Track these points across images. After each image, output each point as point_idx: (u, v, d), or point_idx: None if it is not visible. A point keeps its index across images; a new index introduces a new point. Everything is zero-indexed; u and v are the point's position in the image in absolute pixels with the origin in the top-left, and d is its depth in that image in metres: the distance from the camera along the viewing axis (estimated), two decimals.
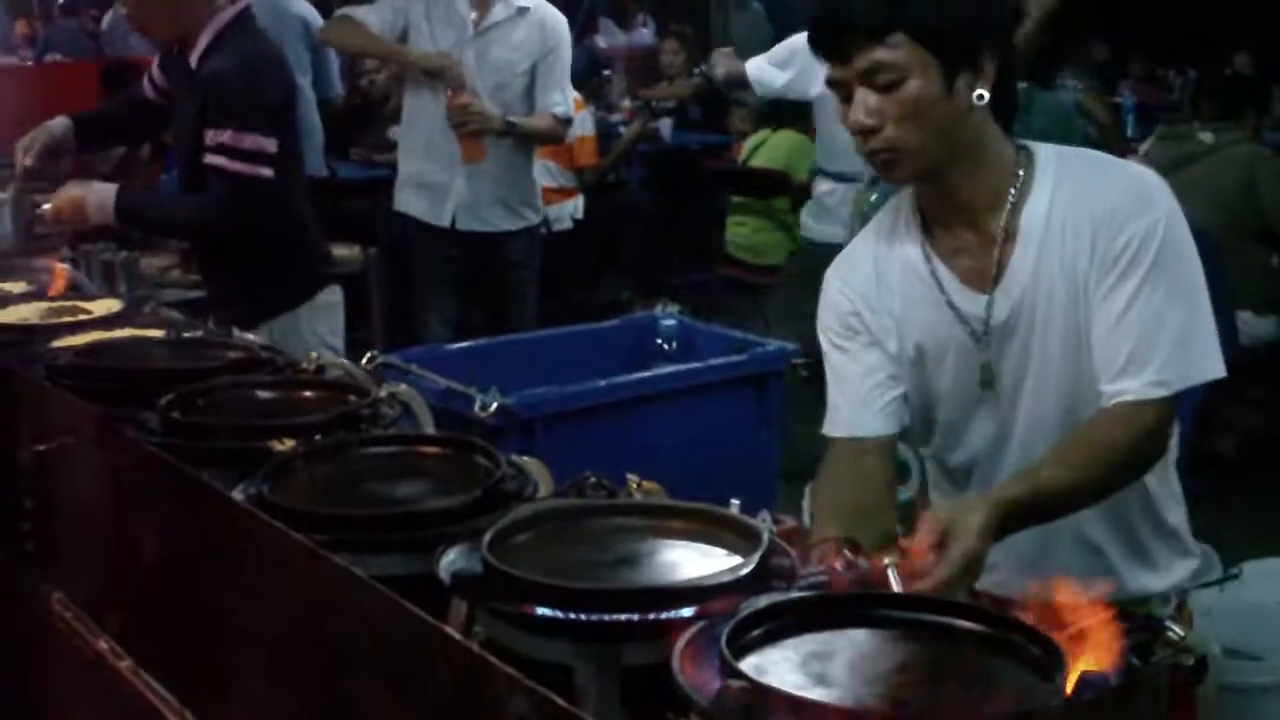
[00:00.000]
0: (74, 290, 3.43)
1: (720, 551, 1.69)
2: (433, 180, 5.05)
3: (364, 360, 2.80)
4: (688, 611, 1.52)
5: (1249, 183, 5.52)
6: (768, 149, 7.84)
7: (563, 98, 5.19)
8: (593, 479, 2.06)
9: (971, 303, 2.21)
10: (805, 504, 4.92)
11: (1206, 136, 5.65)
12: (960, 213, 2.21)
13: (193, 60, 3.62)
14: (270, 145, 3.62)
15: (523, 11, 5.06)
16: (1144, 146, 6.07)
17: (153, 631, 2.10)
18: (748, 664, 1.39)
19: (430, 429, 2.40)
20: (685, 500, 1.90)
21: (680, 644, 1.43)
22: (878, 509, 2.26)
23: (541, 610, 1.53)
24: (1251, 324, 5.61)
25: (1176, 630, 1.58)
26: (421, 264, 5.15)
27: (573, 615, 1.52)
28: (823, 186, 5.47)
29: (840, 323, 2.32)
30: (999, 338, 2.21)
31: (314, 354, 2.66)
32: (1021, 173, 2.18)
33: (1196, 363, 2.14)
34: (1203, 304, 2.16)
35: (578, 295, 8.17)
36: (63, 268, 3.63)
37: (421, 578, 1.66)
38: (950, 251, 2.24)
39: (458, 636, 1.44)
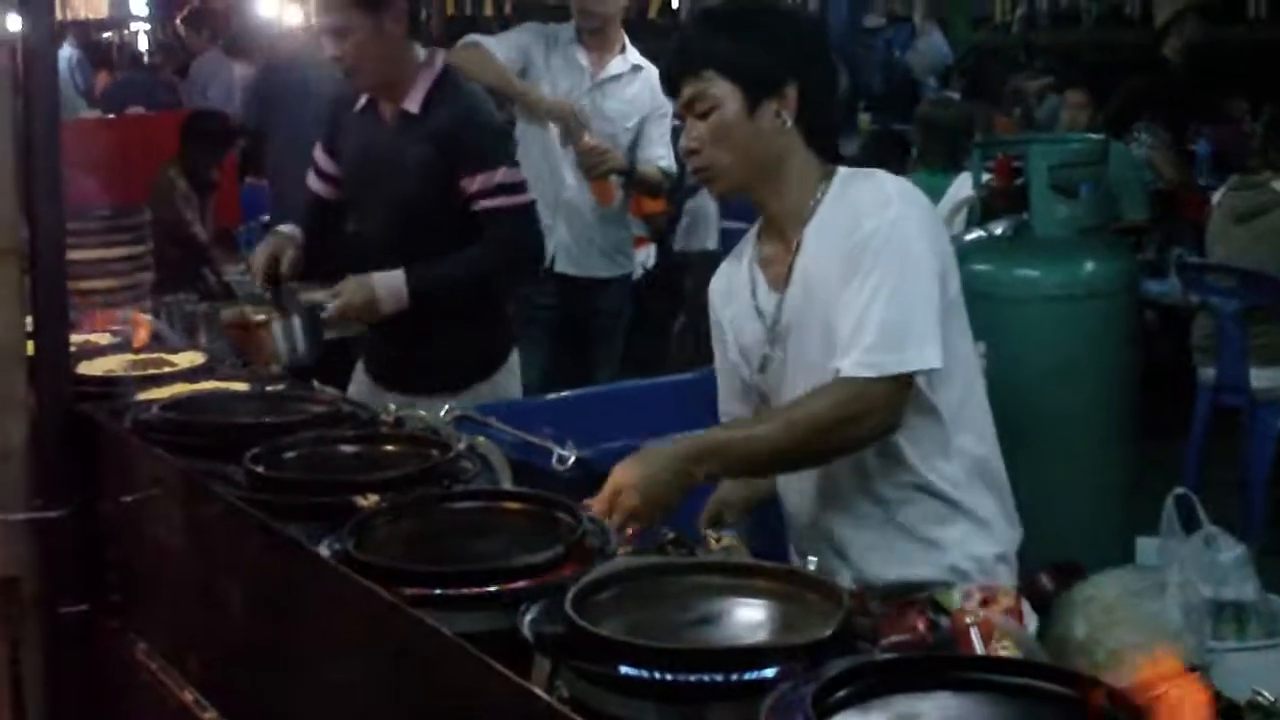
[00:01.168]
0: (156, 341, 3.47)
1: (802, 611, 1.69)
2: None
3: (442, 413, 2.83)
4: (771, 672, 1.52)
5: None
6: None
7: (666, 153, 5.26)
8: (672, 535, 2.08)
9: (769, 303, 2.54)
10: None
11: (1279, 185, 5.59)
12: (772, 224, 2.56)
13: (412, 108, 3.59)
14: (525, 178, 3.70)
15: (636, 69, 5.15)
16: (1216, 196, 6.02)
17: (237, 684, 2.13)
18: None
19: (508, 482, 2.41)
20: (761, 555, 1.90)
21: (765, 706, 1.43)
22: None
23: (626, 669, 1.54)
24: None
25: (1266, 695, 1.56)
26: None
27: (657, 675, 1.53)
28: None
29: (716, 328, 2.71)
30: (782, 335, 2.52)
31: (392, 406, 2.69)
32: (820, 190, 2.50)
33: (909, 352, 2.35)
34: (920, 301, 2.37)
35: (650, 344, 8.17)
36: (145, 318, 3.68)
37: (504, 634, 1.67)
38: (766, 258, 2.58)
39: (543, 695, 1.45)
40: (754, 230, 2.64)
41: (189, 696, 2.19)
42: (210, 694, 2.17)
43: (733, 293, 2.63)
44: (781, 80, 2.46)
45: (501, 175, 3.55)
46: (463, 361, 3.68)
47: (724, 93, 2.44)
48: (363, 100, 3.72)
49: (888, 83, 13.32)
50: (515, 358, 3.90)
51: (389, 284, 3.47)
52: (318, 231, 3.82)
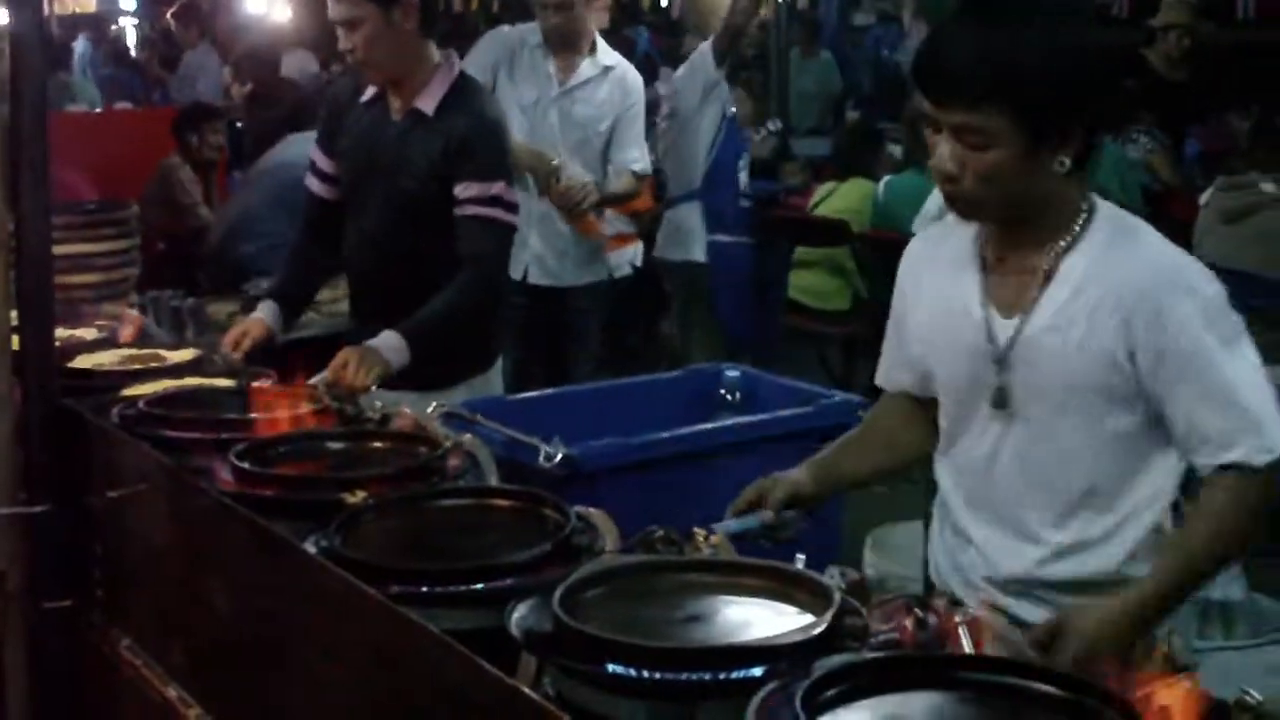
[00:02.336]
0: (144, 336, 3.46)
1: (792, 609, 1.69)
2: None
3: (429, 409, 2.82)
4: (760, 671, 1.51)
5: None
6: (837, 198, 7.84)
7: (640, 154, 5.23)
8: (661, 533, 2.06)
9: (999, 325, 2.32)
10: (866, 554, 4.92)
11: (1269, 187, 5.60)
12: (1016, 246, 2.31)
13: (425, 108, 3.58)
14: (519, 200, 3.70)
15: (607, 70, 5.11)
16: (1205, 196, 6.03)
17: (221, 681, 2.12)
18: None
19: (495, 479, 2.40)
20: (750, 554, 1.90)
21: (754, 704, 1.42)
22: (894, 429, 2.60)
23: (614, 668, 1.53)
24: None
25: (1254, 695, 1.56)
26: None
27: (646, 673, 1.52)
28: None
29: (897, 292, 2.54)
30: (1012, 365, 2.30)
31: (379, 403, 2.68)
32: (1080, 223, 2.28)
33: None
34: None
35: (637, 342, 8.17)
36: (133, 314, 3.67)
37: (490, 632, 1.66)
38: (994, 274, 2.35)
39: (532, 694, 1.44)
40: (971, 227, 2.39)
41: (173, 693, 2.18)
42: (194, 690, 2.15)
43: (943, 293, 2.40)
44: (1072, 125, 2.19)
45: (499, 189, 3.55)
46: (454, 358, 3.67)
47: (1003, 129, 2.15)
48: (370, 93, 3.70)
49: (877, 81, 13.34)
50: (501, 359, 3.90)
51: (388, 345, 3.37)
52: (326, 232, 3.82)
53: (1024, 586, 2.33)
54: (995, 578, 2.36)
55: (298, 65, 10.08)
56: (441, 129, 3.55)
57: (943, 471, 2.48)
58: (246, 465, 2.19)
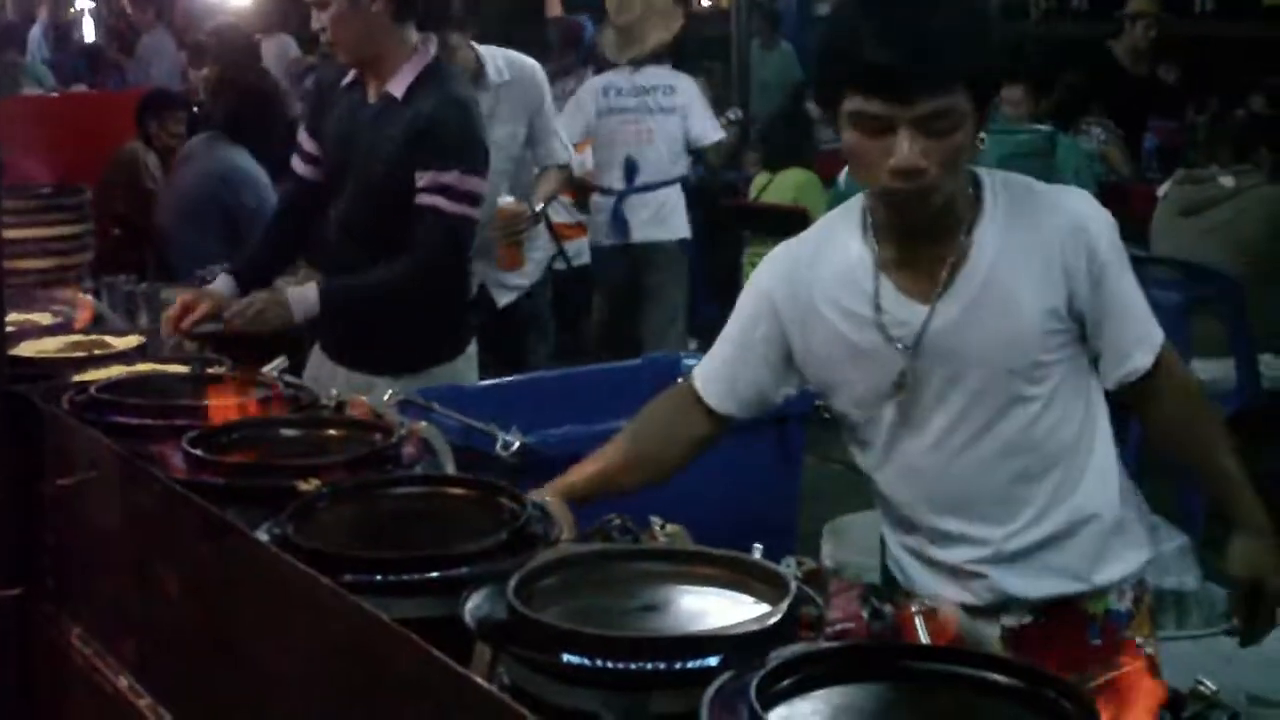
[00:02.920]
0: (98, 322, 3.43)
1: (748, 599, 1.68)
2: None
3: (385, 397, 2.80)
4: (715, 661, 1.51)
5: (1273, 225, 5.51)
6: (775, 189, 7.84)
7: (561, 143, 5.21)
8: (617, 521, 2.06)
9: (908, 311, 2.31)
10: (823, 544, 4.92)
11: (1227, 180, 5.64)
12: (922, 231, 2.30)
13: (395, 91, 3.58)
14: (484, 188, 3.66)
15: (507, 85, 5.02)
16: (1162, 189, 6.06)
17: (172, 670, 2.10)
18: (776, 715, 1.38)
19: (451, 467, 2.39)
20: (706, 542, 1.89)
21: (708, 694, 1.41)
22: (666, 444, 2.55)
23: (568, 657, 1.52)
24: (1273, 366, 5.59)
25: (1208, 685, 1.56)
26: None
27: (600, 663, 1.51)
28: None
29: (758, 297, 2.49)
30: (930, 347, 2.31)
31: (335, 391, 2.66)
32: (972, 198, 2.31)
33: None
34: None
35: (586, 334, 8.14)
36: (87, 299, 3.64)
37: (445, 621, 1.65)
38: (895, 263, 2.34)
39: (483, 683, 1.43)
40: (857, 219, 2.39)
41: (124, 682, 2.16)
42: (145, 680, 2.13)
43: (822, 282, 2.40)
44: (992, 98, 2.33)
45: (453, 178, 3.52)
46: (421, 343, 3.67)
47: (967, 110, 2.18)
48: (350, 77, 3.71)
49: None
50: (474, 347, 3.89)
51: (301, 293, 3.44)
52: (300, 213, 3.85)
53: (1013, 557, 2.38)
54: (980, 557, 2.38)
55: (276, 50, 10.01)
56: (408, 114, 3.55)
57: (888, 484, 2.47)
58: (199, 452, 2.17)
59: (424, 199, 3.51)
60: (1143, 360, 2.36)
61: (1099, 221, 2.34)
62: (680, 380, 2.63)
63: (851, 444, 2.51)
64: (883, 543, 2.58)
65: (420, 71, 3.60)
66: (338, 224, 3.73)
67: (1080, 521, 2.37)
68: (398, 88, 3.58)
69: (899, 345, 2.32)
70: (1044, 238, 2.29)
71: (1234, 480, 2.44)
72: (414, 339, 3.65)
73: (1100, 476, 2.40)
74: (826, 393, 2.48)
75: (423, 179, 3.51)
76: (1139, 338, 2.36)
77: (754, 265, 8.00)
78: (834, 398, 2.47)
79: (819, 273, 2.41)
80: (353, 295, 3.58)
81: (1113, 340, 2.35)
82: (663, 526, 2.10)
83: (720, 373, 2.52)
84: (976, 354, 2.31)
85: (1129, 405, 2.44)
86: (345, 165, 3.68)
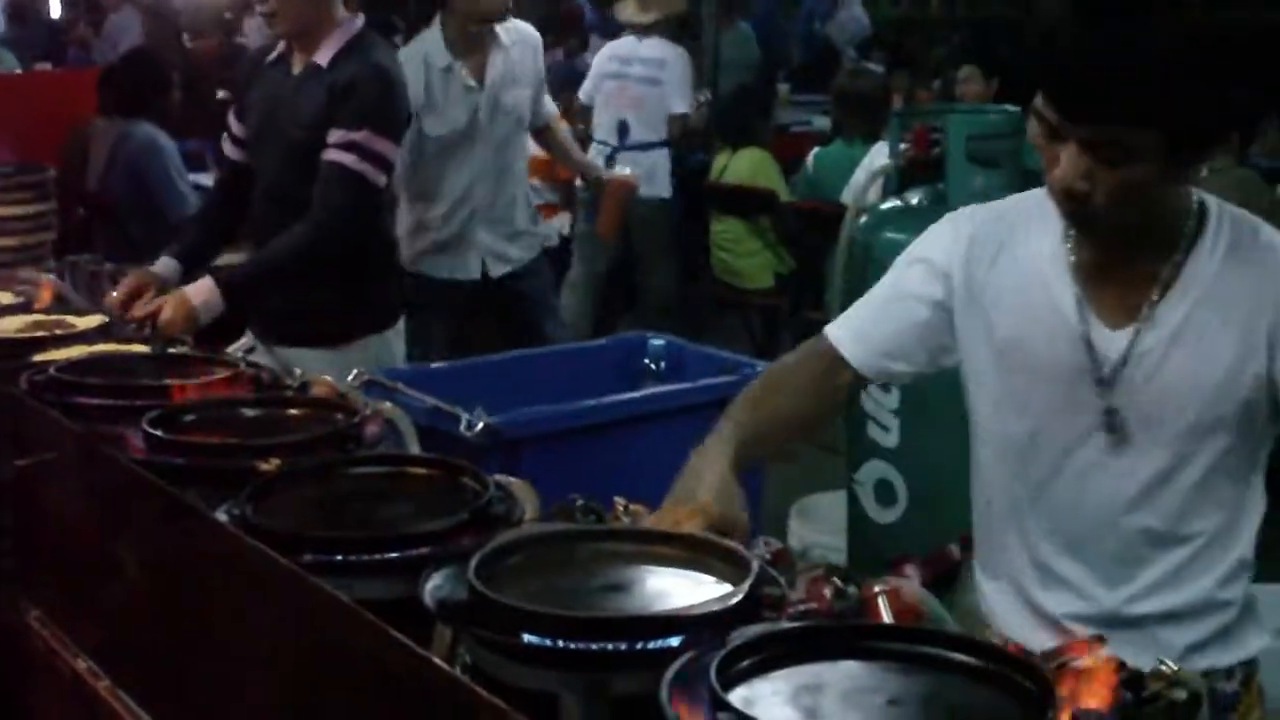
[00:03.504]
0: (60, 302, 3.40)
1: (710, 579, 1.67)
2: (453, 237, 5.00)
3: (350, 377, 2.78)
4: (677, 641, 1.50)
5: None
6: (733, 168, 7.84)
7: (552, 104, 5.38)
8: (580, 502, 2.04)
9: (1104, 341, 2.08)
10: (790, 524, 4.93)
11: None
12: (1125, 253, 2.08)
13: (320, 60, 3.63)
14: (394, 154, 3.66)
15: (517, 47, 5.06)
16: None
17: (132, 652, 2.08)
18: (737, 696, 1.37)
19: (415, 448, 2.38)
20: None
21: (669, 674, 1.41)
22: (806, 400, 2.29)
23: (528, 638, 1.51)
24: None
25: (1169, 664, 1.55)
26: (447, 323, 5.02)
27: (560, 643, 1.50)
28: None
29: (927, 261, 2.25)
30: (1126, 383, 2.07)
31: (298, 371, 2.64)
32: (1191, 224, 2.08)
33: None
34: None
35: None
36: (49, 279, 3.61)
37: (406, 601, 1.64)
38: (1097, 280, 2.11)
39: (442, 665, 1.41)
40: (1054, 215, 2.10)
41: (82, 665, 2.14)
42: (105, 662, 2.11)
43: (1027, 296, 2.14)
44: (1217, 135, 2.01)
45: (362, 136, 3.54)
46: (344, 313, 3.68)
47: (1147, 145, 1.89)
48: (276, 52, 3.77)
49: (807, 54, 13.35)
50: (403, 322, 3.90)
51: (202, 293, 3.41)
52: (234, 195, 3.88)
53: (1120, 623, 2.11)
54: (1087, 614, 2.14)
55: (257, 25, 9.95)
56: (330, 79, 3.61)
57: (1013, 506, 2.22)
58: (158, 433, 2.15)
59: (330, 154, 3.56)
60: None
61: None
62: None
63: (985, 447, 2.28)
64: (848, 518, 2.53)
65: (346, 41, 3.66)
66: (264, 194, 3.77)
67: (1207, 606, 2.14)
68: (323, 57, 3.65)
69: (1094, 374, 2.09)
70: (1257, 288, 2.04)
71: None
72: (336, 309, 3.69)
73: (1240, 567, 2.15)
74: (994, 393, 2.22)
75: (333, 136, 3.55)
76: None
77: (720, 245, 8.11)
78: (992, 402, 2.22)
79: (1015, 240, 2.18)
80: (254, 273, 3.60)
81: None
82: (626, 507, 2.09)
83: (864, 332, 2.28)
84: (1164, 400, 2.06)
85: None
86: (268, 136, 3.74)
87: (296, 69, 3.70)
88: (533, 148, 8.31)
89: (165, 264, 3.64)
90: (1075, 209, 1.98)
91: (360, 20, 3.75)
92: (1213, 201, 2.13)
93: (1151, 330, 2.05)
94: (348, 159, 3.53)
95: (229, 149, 3.91)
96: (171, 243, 3.78)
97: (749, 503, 2.12)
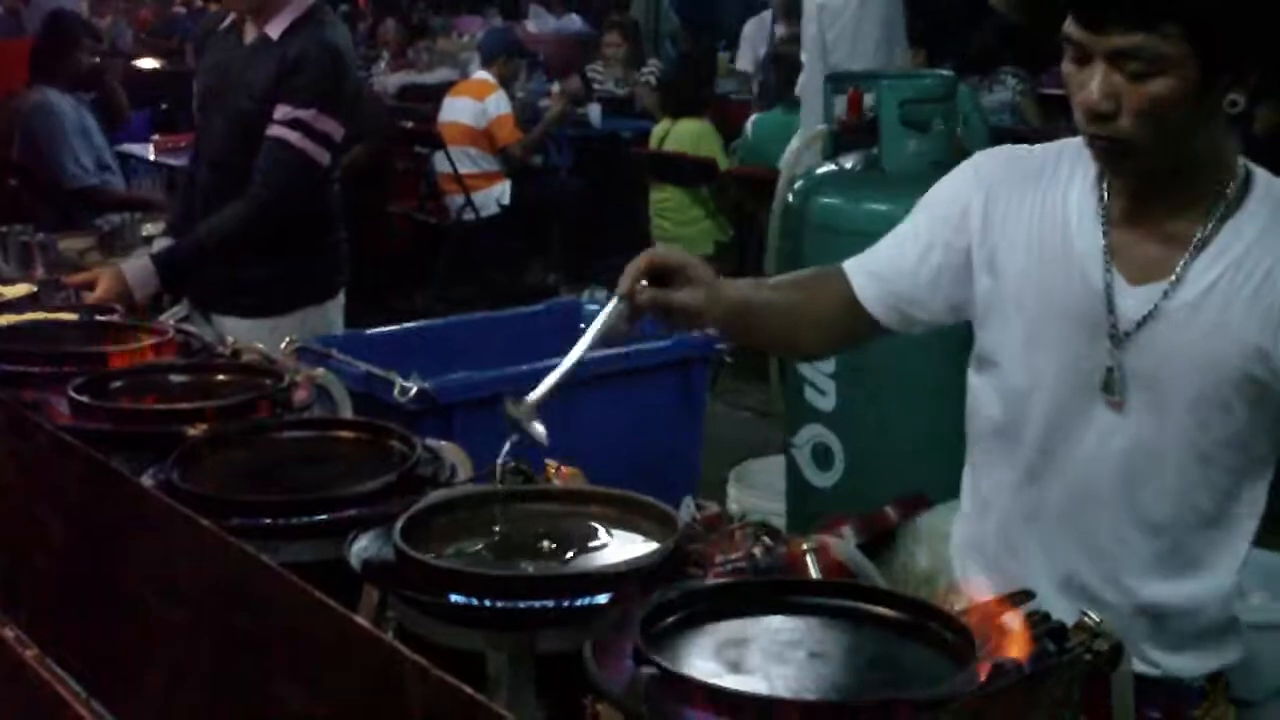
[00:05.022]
0: None
1: (637, 537, 1.68)
2: None
3: (283, 345, 2.77)
4: (603, 598, 1.50)
5: None
6: (673, 138, 7.85)
7: None
8: (511, 464, 2.04)
9: (1125, 293, 1.99)
10: (729, 489, 4.94)
11: None
12: (1156, 205, 2.00)
13: (272, 33, 3.60)
14: (339, 133, 3.63)
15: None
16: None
17: (60, 620, 2.06)
18: (661, 651, 1.38)
19: (349, 414, 2.36)
20: (605, 486, 1.88)
21: (593, 632, 1.41)
22: (805, 298, 2.23)
23: (454, 597, 1.51)
24: None
25: (1092, 617, 1.57)
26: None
27: (485, 602, 1.51)
28: None
29: (946, 202, 2.18)
30: (1140, 346, 1.99)
31: (231, 339, 2.62)
32: (1235, 186, 1.98)
33: None
34: None
35: (505, 281, 8.14)
36: None
37: (333, 564, 1.64)
38: (1120, 230, 2.02)
39: (365, 624, 1.41)
40: (1089, 164, 2.04)
41: (10, 633, 2.12)
42: (32, 631, 2.10)
43: (1048, 242, 2.05)
44: (1251, 55, 1.87)
45: (309, 115, 3.54)
46: (283, 285, 3.65)
47: (1177, 54, 1.82)
48: (229, 19, 3.74)
49: (745, 22, 13.33)
50: (343, 296, 3.88)
51: (137, 270, 3.39)
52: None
53: (1124, 609, 2.06)
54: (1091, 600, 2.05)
55: None
56: (279, 51, 3.58)
57: (1007, 474, 2.16)
58: (84, 399, 2.14)
59: (274, 130, 3.54)
60: None
61: None
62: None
63: (981, 407, 2.19)
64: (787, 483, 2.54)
65: (298, 15, 3.63)
66: (208, 162, 3.75)
67: (1184, 611, 2.08)
68: (275, 29, 3.62)
69: (1108, 329, 2.00)
70: None
71: None
72: (274, 280, 3.67)
73: (1227, 573, 2.08)
74: (994, 342, 2.14)
75: (279, 112, 3.54)
76: None
77: (659, 213, 8.14)
78: (1021, 391, 2.12)
79: (1044, 183, 2.09)
80: (191, 250, 3.57)
81: None
82: (557, 469, 2.09)
83: (879, 272, 2.19)
84: (1170, 367, 1.98)
85: None
86: (214, 104, 3.72)
87: (248, 38, 3.67)
88: (469, 118, 8.34)
89: (140, 266, 3.51)
90: (1101, 132, 1.90)
91: None
92: (1263, 172, 2.02)
93: (1178, 291, 1.96)
94: (292, 136, 3.52)
95: (197, 116, 3.88)
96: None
97: (686, 466, 2.12)
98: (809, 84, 5.87)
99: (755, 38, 9.97)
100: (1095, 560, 2.09)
